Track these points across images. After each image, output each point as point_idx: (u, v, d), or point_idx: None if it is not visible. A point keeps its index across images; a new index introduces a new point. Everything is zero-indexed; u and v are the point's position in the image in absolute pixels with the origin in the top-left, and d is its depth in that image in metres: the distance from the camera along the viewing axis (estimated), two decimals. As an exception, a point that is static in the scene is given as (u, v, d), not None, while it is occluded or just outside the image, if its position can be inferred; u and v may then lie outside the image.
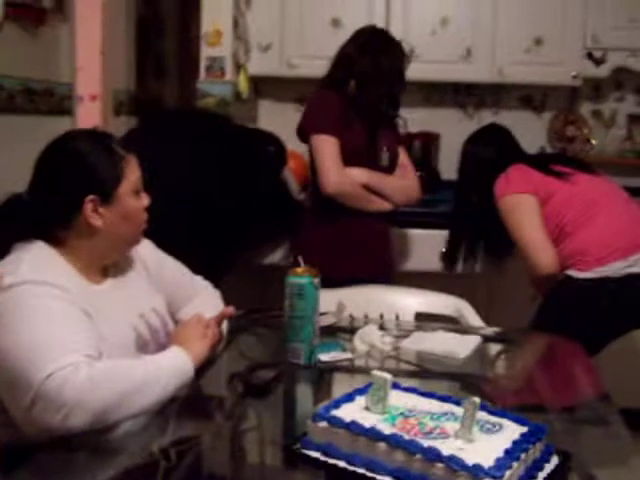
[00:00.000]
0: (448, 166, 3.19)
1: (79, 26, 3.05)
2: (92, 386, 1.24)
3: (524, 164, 2.57)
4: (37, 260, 1.39)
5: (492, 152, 2.66)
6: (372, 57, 2.51)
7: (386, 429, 1.12)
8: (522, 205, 2.49)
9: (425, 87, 3.68)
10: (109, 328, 1.43)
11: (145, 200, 1.54)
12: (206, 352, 1.52)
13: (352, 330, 1.80)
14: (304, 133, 2.55)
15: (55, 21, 2.89)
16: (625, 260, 2.33)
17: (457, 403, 1.22)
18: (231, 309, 1.67)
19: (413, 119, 3.60)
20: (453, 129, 3.61)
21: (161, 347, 1.51)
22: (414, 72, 3.25)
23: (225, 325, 1.68)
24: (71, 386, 1.22)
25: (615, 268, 2.33)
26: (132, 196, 1.50)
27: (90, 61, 3.13)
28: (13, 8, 2.54)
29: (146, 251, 1.67)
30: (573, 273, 2.38)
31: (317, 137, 2.49)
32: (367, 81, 2.52)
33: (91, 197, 1.43)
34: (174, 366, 1.40)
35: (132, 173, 1.50)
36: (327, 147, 2.46)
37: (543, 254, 2.43)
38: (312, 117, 2.53)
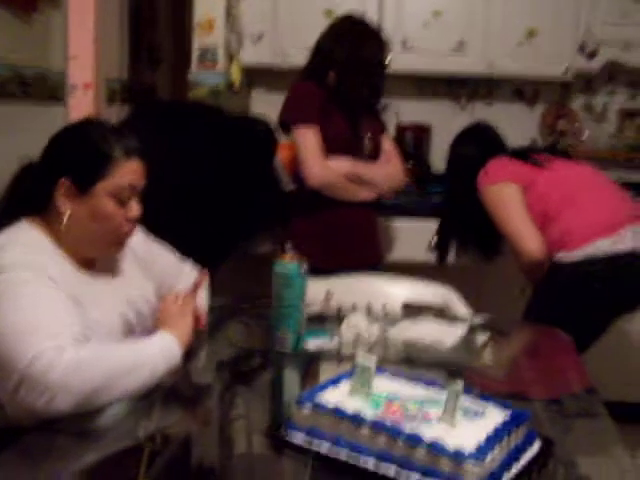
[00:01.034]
0: (440, 158, 3.19)
1: (72, 14, 3.04)
2: (77, 369, 1.24)
3: (504, 156, 2.60)
4: (26, 244, 1.39)
5: (473, 150, 2.68)
6: (350, 47, 2.49)
7: (370, 413, 1.13)
8: (503, 193, 2.51)
9: (417, 79, 3.68)
10: (97, 314, 1.43)
11: (131, 211, 1.48)
12: (190, 328, 1.51)
13: (339, 318, 1.81)
14: (285, 125, 2.54)
15: (47, 8, 2.87)
16: (610, 237, 2.33)
17: (442, 387, 1.23)
18: (204, 274, 1.68)
19: (405, 111, 3.64)
20: (445, 121, 3.62)
21: (148, 334, 1.50)
22: (406, 63, 3.28)
23: (205, 294, 1.69)
24: (56, 369, 1.22)
25: (601, 246, 2.33)
26: (111, 199, 1.44)
27: (83, 49, 3.12)
28: (4, -6, 2.53)
29: (136, 239, 1.66)
30: (561, 256, 2.38)
31: (298, 129, 2.47)
32: (346, 71, 2.50)
33: (65, 180, 1.42)
34: (162, 349, 1.41)
35: (122, 177, 1.45)
36: (309, 139, 2.45)
37: (529, 240, 2.44)
38: (292, 109, 2.51)
